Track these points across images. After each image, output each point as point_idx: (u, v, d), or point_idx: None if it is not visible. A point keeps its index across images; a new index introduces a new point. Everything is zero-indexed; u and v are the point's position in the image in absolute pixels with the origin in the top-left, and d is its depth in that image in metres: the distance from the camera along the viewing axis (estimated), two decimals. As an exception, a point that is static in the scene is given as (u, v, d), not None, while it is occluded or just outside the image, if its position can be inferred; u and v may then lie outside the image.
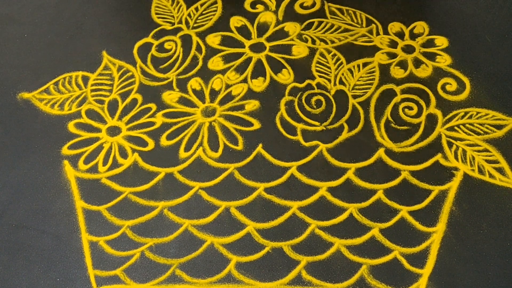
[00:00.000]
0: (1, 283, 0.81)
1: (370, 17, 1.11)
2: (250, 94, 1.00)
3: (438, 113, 0.97)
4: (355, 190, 0.89)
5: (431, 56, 1.04)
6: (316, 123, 0.96)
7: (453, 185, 0.88)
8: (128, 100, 0.99)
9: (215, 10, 1.13)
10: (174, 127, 0.96)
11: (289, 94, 1.00)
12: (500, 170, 0.90)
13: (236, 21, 1.11)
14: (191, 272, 0.82)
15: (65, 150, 0.94)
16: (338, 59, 1.04)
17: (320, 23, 1.10)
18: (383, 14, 1.11)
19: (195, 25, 1.11)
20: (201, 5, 1.14)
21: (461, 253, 0.82)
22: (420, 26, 1.09)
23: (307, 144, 0.94)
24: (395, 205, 0.87)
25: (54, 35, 1.09)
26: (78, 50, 1.07)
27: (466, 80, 1.01)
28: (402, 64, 1.03)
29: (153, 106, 0.99)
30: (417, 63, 1.03)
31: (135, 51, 1.07)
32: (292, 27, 1.10)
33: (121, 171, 0.92)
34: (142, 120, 0.97)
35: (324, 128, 0.96)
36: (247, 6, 1.14)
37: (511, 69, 1.02)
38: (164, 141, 0.94)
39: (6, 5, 1.15)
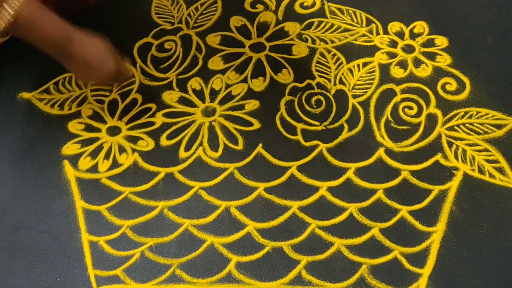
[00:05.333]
0: (1, 283, 0.81)
1: (370, 17, 1.11)
2: (250, 94, 1.00)
3: (438, 112, 0.97)
4: (355, 189, 0.89)
5: (431, 56, 1.04)
6: (316, 122, 0.96)
7: (453, 185, 0.88)
8: (128, 100, 0.99)
9: (215, 10, 1.13)
10: (174, 127, 0.96)
11: (289, 94, 1.00)
12: (500, 170, 0.90)
13: (236, 21, 1.11)
14: (191, 272, 0.82)
15: (65, 150, 0.94)
16: (338, 59, 1.04)
17: (320, 22, 1.10)
18: (383, 14, 1.11)
19: (195, 25, 1.11)
20: (201, 5, 1.14)
21: (461, 253, 0.82)
22: (420, 26, 1.09)
23: (307, 144, 0.94)
24: (395, 205, 0.87)
25: (54, 35, 1.09)
26: (78, 50, 1.07)
27: (466, 80, 1.01)
28: (402, 64, 1.03)
29: (153, 106, 0.99)
30: (417, 62, 1.04)
31: (135, 51, 1.06)
32: (292, 27, 1.10)
33: (121, 171, 0.92)
34: (142, 120, 0.97)
35: (324, 128, 0.96)
36: (247, 6, 1.13)
37: (511, 69, 1.02)
38: (164, 141, 0.94)
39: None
